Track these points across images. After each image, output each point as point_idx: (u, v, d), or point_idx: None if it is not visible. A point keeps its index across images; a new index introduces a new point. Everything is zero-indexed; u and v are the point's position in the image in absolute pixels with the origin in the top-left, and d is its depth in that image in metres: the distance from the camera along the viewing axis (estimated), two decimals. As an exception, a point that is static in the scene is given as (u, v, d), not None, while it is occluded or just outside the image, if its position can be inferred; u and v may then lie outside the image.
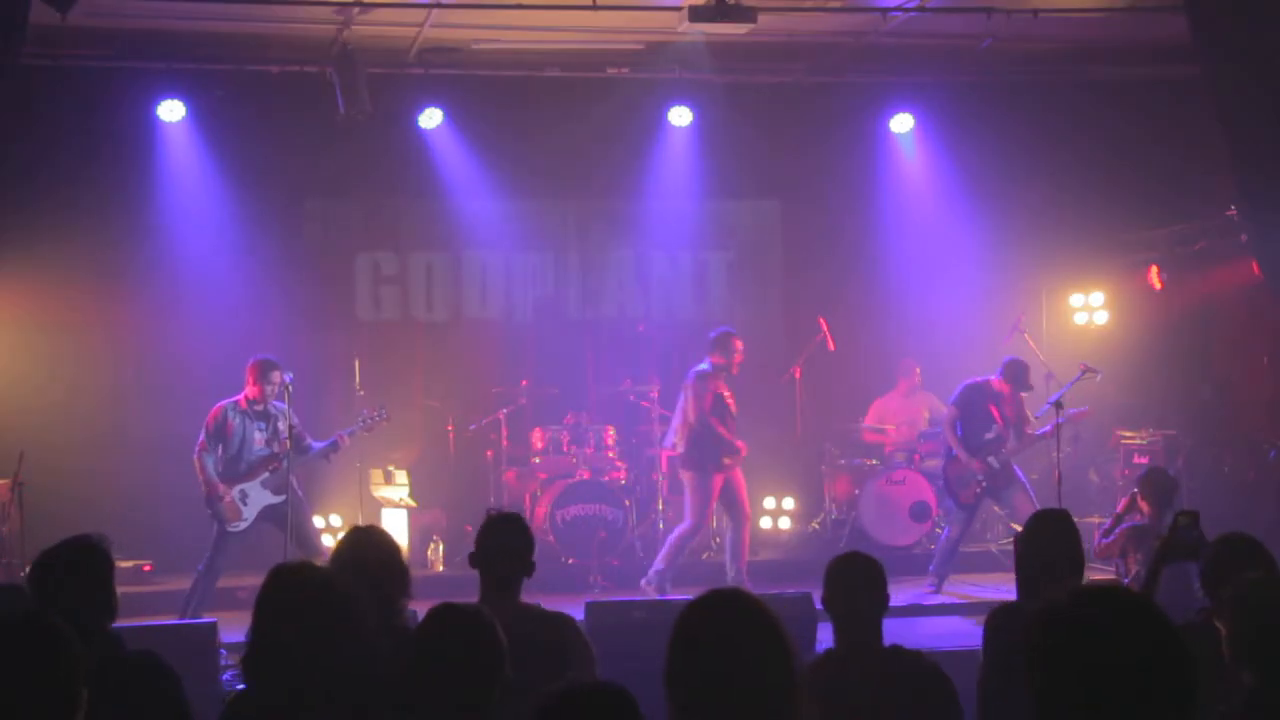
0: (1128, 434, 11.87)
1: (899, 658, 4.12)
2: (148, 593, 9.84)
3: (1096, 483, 12.01)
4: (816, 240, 12.70)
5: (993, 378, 10.14)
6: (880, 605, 4.16)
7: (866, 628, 4.13)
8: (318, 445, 9.31)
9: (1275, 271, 8.60)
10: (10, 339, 11.08)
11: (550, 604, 4.66)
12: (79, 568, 3.89)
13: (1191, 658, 2.04)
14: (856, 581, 4.17)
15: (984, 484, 10.05)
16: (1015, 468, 10.14)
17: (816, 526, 11.88)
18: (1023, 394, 10.16)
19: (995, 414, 10.10)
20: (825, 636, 7.10)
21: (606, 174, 12.24)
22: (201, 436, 9.11)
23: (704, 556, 11.30)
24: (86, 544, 3.96)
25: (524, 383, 11.76)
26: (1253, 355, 11.78)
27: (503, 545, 4.54)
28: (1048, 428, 9.90)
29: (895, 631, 4.26)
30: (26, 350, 11.14)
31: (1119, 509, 7.92)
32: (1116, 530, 7.72)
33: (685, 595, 7.56)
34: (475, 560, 4.54)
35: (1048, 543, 4.54)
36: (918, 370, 12.03)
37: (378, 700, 3.42)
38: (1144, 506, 7.68)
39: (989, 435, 10.06)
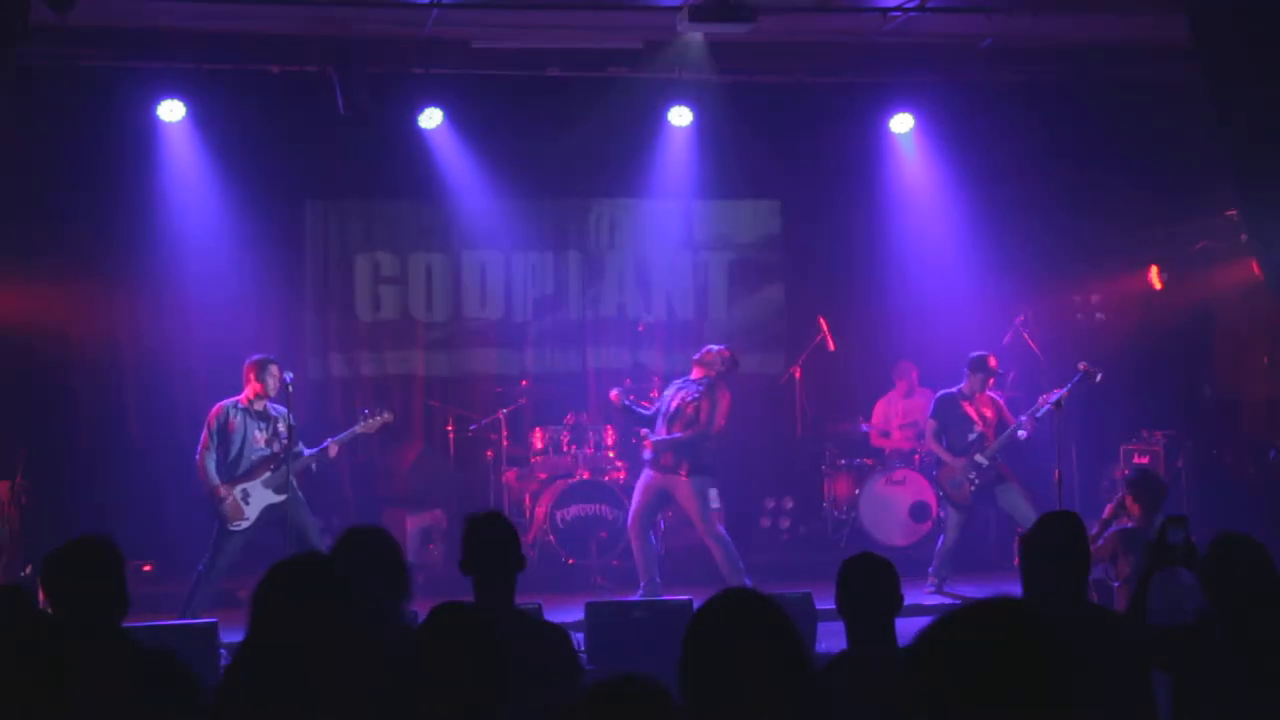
0: (1127, 434, 11.86)
1: None
2: (148, 593, 9.78)
3: (1096, 483, 11.99)
4: (816, 240, 12.69)
5: (961, 383, 10.34)
6: (893, 607, 4.12)
7: (879, 629, 4.10)
8: (308, 451, 9.21)
9: (1275, 271, 8.60)
10: (10, 338, 11.07)
11: (550, 604, 4.67)
12: (92, 565, 3.94)
13: (1071, 661, 2.02)
14: (870, 583, 4.13)
15: (976, 481, 10.16)
16: (1005, 465, 10.21)
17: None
18: (990, 380, 10.31)
19: (972, 413, 10.30)
20: (826, 636, 7.15)
21: (606, 174, 12.23)
22: (204, 436, 9.05)
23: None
24: (96, 542, 4.01)
25: (524, 383, 11.77)
26: (1253, 355, 11.78)
27: (488, 544, 4.52)
28: (1021, 421, 10.13)
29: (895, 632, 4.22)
30: (26, 350, 11.14)
31: (1105, 514, 7.87)
32: (1105, 533, 7.66)
33: (684, 595, 7.56)
34: (464, 565, 4.53)
35: (1054, 545, 4.52)
36: (915, 372, 12.02)
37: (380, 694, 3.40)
38: (1133, 509, 7.62)
39: (971, 436, 10.28)
